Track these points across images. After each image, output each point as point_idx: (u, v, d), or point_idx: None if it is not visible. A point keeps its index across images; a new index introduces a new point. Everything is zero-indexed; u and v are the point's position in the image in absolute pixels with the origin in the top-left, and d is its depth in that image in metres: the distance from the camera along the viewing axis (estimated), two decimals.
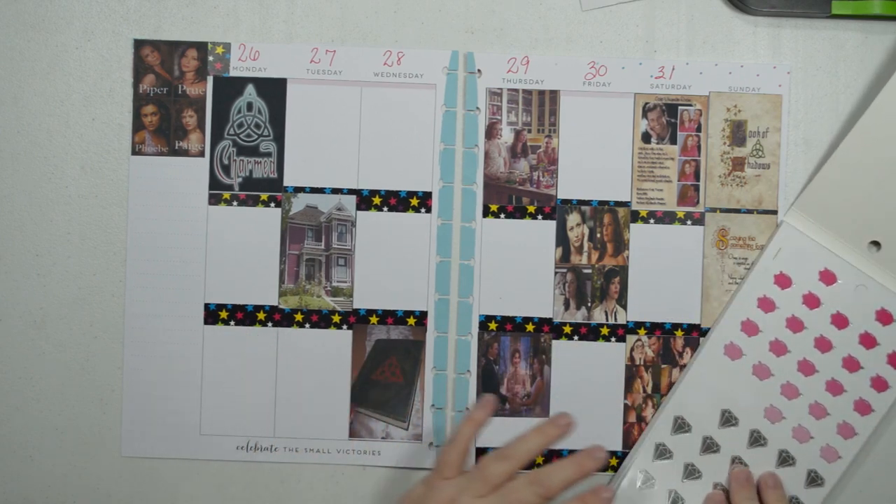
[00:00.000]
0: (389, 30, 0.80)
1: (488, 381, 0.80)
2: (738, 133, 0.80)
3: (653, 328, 0.80)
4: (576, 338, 0.80)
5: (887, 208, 0.77)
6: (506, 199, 0.80)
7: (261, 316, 0.80)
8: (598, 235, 0.80)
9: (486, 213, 0.80)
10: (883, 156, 0.77)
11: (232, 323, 0.80)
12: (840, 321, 0.78)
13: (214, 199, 0.80)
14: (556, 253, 0.80)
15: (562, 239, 0.80)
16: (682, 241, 0.80)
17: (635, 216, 0.80)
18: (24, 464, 0.80)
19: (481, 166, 0.80)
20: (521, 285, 0.80)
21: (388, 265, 0.80)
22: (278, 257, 0.80)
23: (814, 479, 0.78)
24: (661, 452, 0.78)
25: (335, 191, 0.80)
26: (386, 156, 0.80)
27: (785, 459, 0.78)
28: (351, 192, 0.80)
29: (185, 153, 0.80)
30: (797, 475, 0.78)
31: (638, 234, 0.80)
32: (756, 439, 0.78)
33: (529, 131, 0.80)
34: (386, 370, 0.80)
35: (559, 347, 0.80)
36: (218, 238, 0.80)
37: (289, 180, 0.80)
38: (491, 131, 0.80)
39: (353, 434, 0.80)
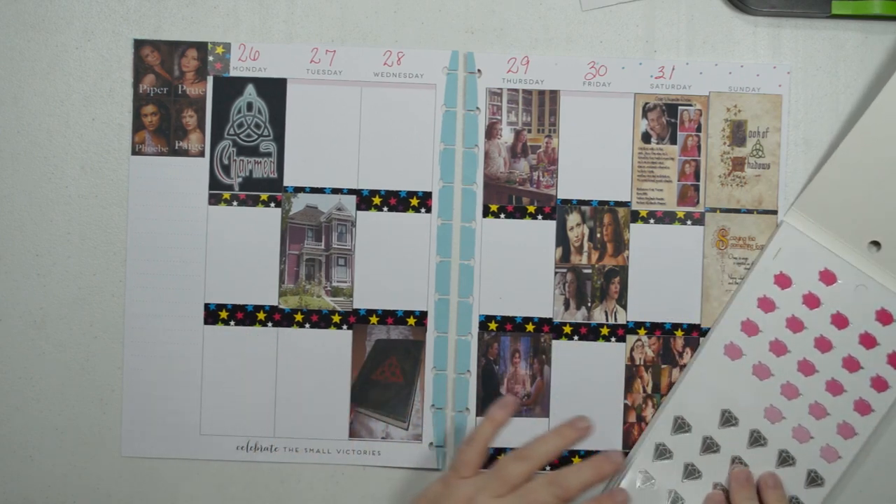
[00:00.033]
0: (389, 30, 0.80)
1: (488, 381, 0.80)
2: (738, 133, 0.80)
3: (653, 328, 0.80)
4: (576, 338, 0.80)
5: (887, 208, 0.77)
6: (506, 199, 0.80)
7: (261, 316, 0.80)
8: (598, 235, 0.80)
9: (486, 213, 0.80)
10: (883, 156, 0.77)
11: (232, 323, 0.80)
12: (840, 321, 0.78)
13: (214, 199, 0.80)
14: (556, 253, 0.80)
15: (562, 239, 0.80)
16: (682, 241, 0.80)
17: (635, 216, 0.80)
18: (24, 464, 0.80)
19: (481, 166, 0.80)
20: (521, 285, 0.80)
21: (388, 265, 0.80)
22: (278, 257, 0.80)
23: (814, 479, 0.78)
24: (661, 452, 0.78)
25: (335, 191, 0.80)
26: (386, 156, 0.80)
27: (785, 459, 0.78)
28: (351, 192, 0.80)
29: (185, 153, 0.80)
30: (797, 475, 0.78)
31: (638, 234, 0.80)
32: (756, 439, 0.78)
33: (529, 131, 0.80)
34: (386, 370, 0.80)
35: (559, 347, 0.80)
36: (218, 238, 0.80)
37: (289, 180, 0.80)
38: (491, 131, 0.80)
39: (353, 434, 0.80)
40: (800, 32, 0.80)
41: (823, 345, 0.78)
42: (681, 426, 0.78)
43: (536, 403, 0.80)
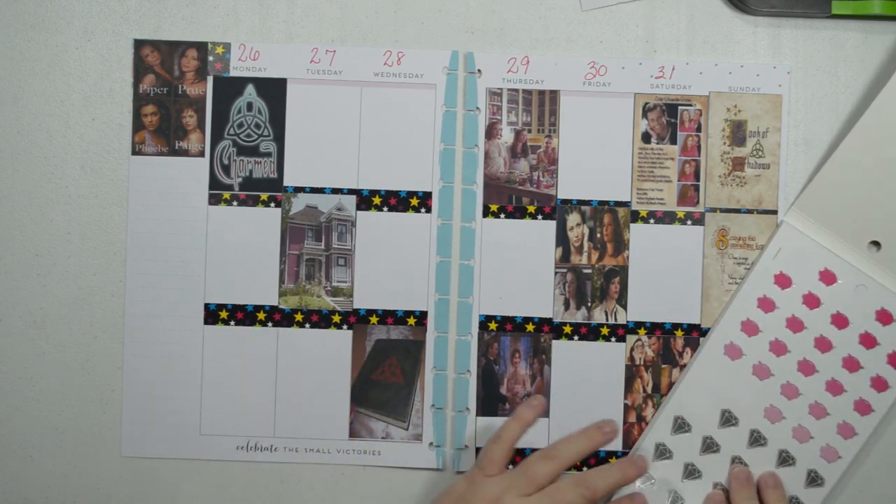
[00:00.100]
0: (389, 30, 0.80)
1: (488, 381, 0.80)
2: (738, 133, 0.80)
3: (653, 328, 0.80)
4: (576, 338, 0.80)
5: (887, 208, 0.77)
6: (506, 199, 0.80)
7: (261, 316, 0.80)
8: (598, 235, 0.80)
9: (486, 213, 0.80)
10: (883, 156, 0.77)
11: (232, 323, 0.80)
12: (840, 321, 0.78)
13: (214, 199, 0.80)
14: (556, 253, 0.80)
15: (562, 239, 0.80)
16: (682, 241, 0.80)
17: (635, 216, 0.80)
18: (24, 464, 0.80)
19: (481, 166, 0.80)
20: (521, 285, 0.80)
21: (388, 265, 0.80)
22: (278, 257, 0.80)
23: (814, 479, 0.78)
24: (661, 452, 0.78)
25: (335, 191, 0.80)
26: (386, 156, 0.80)
27: (785, 459, 0.78)
28: (351, 192, 0.80)
29: (185, 153, 0.80)
30: (797, 475, 0.78)
31: (638, 234, 0.80)
32: (756, 439, 0.78)
33: (529, 131, 0.80)
34: (386, 370, 0.80)
35: (559, 347, 0.80)
36: (218, 238, 0.80)
37: (289, 180, 0.80)
38: (491, 131, 0.80)
39: (353, 434, 0.80)
40: (800, 32, 0.80)
41: (823, 345, 0.78)
42: (681, 426, 0.78)
43: None
